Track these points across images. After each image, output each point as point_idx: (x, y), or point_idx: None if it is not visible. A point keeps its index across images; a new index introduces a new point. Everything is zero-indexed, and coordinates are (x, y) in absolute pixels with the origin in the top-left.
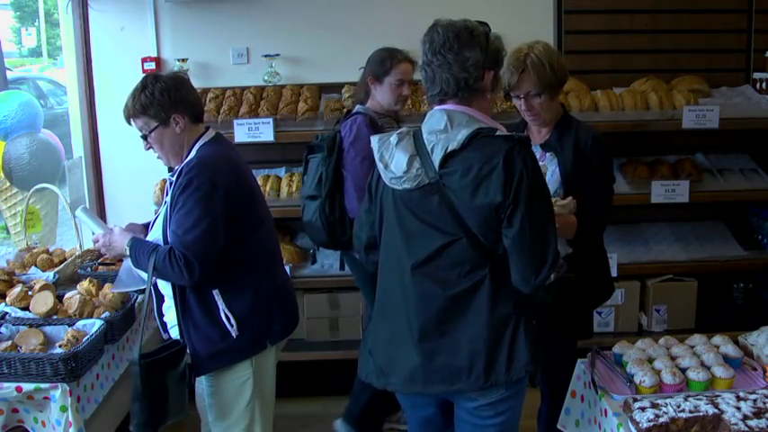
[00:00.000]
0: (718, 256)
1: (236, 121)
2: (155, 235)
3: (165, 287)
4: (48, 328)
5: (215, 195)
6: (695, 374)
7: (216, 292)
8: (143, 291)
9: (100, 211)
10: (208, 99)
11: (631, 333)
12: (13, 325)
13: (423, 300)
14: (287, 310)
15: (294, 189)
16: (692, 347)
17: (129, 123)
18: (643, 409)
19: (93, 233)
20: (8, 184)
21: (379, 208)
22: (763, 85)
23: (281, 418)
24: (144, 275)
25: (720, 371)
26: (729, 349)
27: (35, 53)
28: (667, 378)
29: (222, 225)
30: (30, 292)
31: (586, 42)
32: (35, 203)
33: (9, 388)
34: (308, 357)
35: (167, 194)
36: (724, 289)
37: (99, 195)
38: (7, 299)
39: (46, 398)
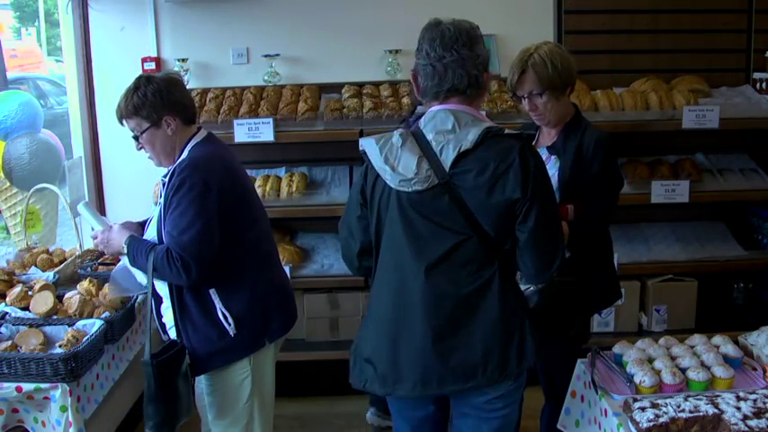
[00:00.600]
0: (718, 256)
1: (236, 121)
2: (149, 236)
3: (163, 288)
4: (48, 328)
5: (208, 195)
6: (695, 374)
7: (212, 292)
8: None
9: (100, 211)
10: (208, 99)
11: (631, 333)
12: (13, 325)
13: (437, 301)
14: (284, 307)
15: (294, 189)
16: (692, 347)
17: (122, 124)
18: (643, 409)
19: (93, 229)
20: (8, 184)
21: (376, 213)
22: (763, 85)
23: (281, 418)
24: (140, 278)
25: (720, 371)
26: (729, 349)
27: None
28: (667, 378)
29: (217, 224)
30: (30, 292)
31: (586, 42)
32: (35, 203)
33: (9, 388)
34: (307, 357)
35: (160, 195)
36: (724, 289)
37: (99, 195)
38: (7, 299)
39: (46, 398)
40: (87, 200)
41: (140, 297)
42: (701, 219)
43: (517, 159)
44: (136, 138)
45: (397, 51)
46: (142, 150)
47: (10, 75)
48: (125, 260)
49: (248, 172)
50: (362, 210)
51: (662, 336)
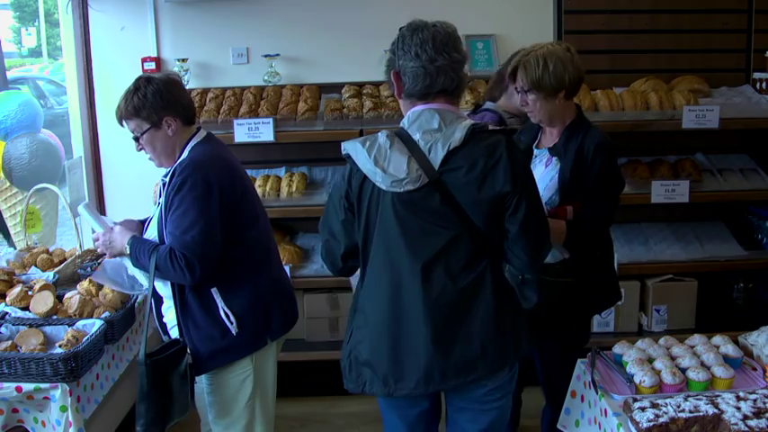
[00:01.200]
0: (718, 256)
1: (236, 121)
2: (149, 236)
3: (163, 288)
4: (48, 328)
5: (210, 194)
6: (695, 374)
7: (214, 291)
8: (124, 293)
9: (100, 211)
10: (208, 99)
11: (631, 333)
12: (13, 325)
13: (435, 297)
14: (286, 305)
15: (294, 189)
16: (692, 347)
17: (122, 125)
18: (643, 409)
19: (94, 231)
20: (8, 184)
21: (365, 216)
22: (763, 85)
23: (281, 419)
24: (140, 280)
25: (720, 371)
26: (729, 349)
27: (35, 53)
28: (667, 378)
29: (219, 223)
30: (30, 292)
31: (586, 42)
32: (35, 203)
33: (9, 388)
34: (307, 357)
35: (160, 195)
36: (724, 289)
37: (99, 195)
38: (7, 299)
39: (46, 398)
40: (87, 201)
41: (140, 297)
42: (701, 219)
43: (504, 154)
44: (136, 139)
45: None
46: (142, 151)
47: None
48: (126, 261)
49: (248, 172)
50: (347, 214)
51: (662, 336)
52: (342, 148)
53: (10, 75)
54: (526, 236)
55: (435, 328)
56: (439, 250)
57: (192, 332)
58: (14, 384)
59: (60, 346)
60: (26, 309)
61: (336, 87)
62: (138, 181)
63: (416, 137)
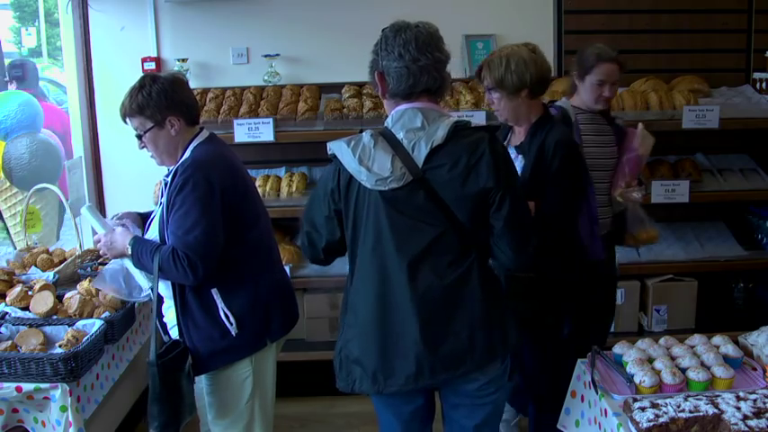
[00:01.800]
0: (718, 256)
1: (236, 121)
2: (150, 236)
3: (164, 288)
4: (48, 328)
5: (212, 194)
6: (695, 374)
7: (214, 291)
8: (119, 305)
9: (100, 211)
10: (208, 99)
11: (631, 333)
12: (13, 325)
13: (423, 294)
14: (286, 306)
15: (294, 189)
16: (692, 347)
17: (125, 122)
18: (643, 409)
19: (95, 233)
20: (8, 184)
21: (352, 214)
22: (763, 85)
23: (281, 418)
24: (141, 282)
25: (720, 371)
26: (729, 349)
27: (35, 53)
28: (667, 378)
29: (221, 223)
30: (30, 292)
31: (586, 42)
32: (35, 203)
33: (9, 388)
34: (307, 357)
35: (162, 195)
36: (724, 289)
37: (99, 195)
38: (7, 299)
39: (46, 398)
40: (86, 202)
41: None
42: (701, 219)
43: (487, 150)
44: (139, 137)
45: None
46: (144, 149)
47: None
48: (126, 262)
49: (248, 172)
50: (331, 211)
51: (662, 336)
52: (327, 147)
53: None
54: (511, 231)
55: (423, 324)
56: (425, 247)
57: (192, 332)
58: (14, 384)
59: (60, 346)
60: (26, 309)
61: (336, 87)
62: (138, 181)
63: (400, 135)
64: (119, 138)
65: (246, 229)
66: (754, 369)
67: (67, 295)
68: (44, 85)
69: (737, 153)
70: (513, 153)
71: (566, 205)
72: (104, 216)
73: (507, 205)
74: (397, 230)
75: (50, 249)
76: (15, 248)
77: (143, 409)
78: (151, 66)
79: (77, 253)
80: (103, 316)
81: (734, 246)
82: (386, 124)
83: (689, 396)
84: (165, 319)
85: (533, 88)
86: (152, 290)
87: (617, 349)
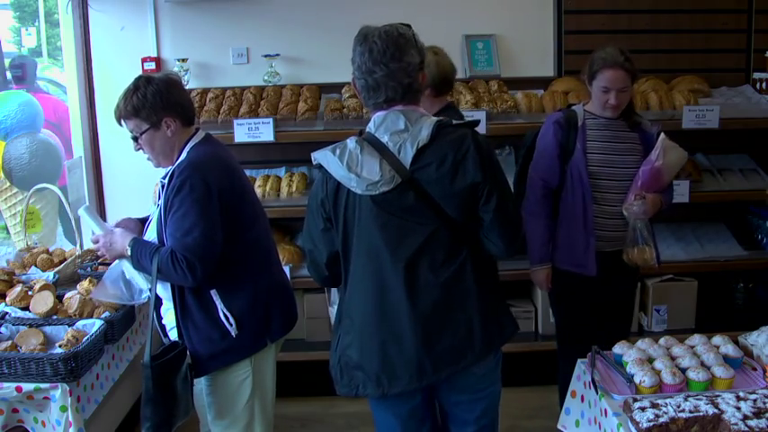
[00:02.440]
0: (718, 256)
1: (236, 121)
2: (149, 238)
3: (162, 290)
4: (48, 328)
5: (210, 195)
6: (695, 374)
7: (213, 292)
8: (119, 305)
9: (100, 212)
10: (208, 99)
11: (631, 333)
12: (13, 325)
13: (420, 293)
14: (285, 306)
15: (294, 189)
16: (692, 347)
17: (120, 124)
18: (643, 409)
19: (93, 233)
20: (8, 184)
21: (342, 221)
22: (763, 85)
23: (281, 418)
24: (141, 285)
25: (720, 371)
26: (729, 349)
27: (35, 53)
28: (667, 378)
29: (219, 224)
30: (30, 292)
31: (586, 42)
32: (35, 203)
33: (9, 388)
34: (307, 357)
35: (159, 197)
36: (724, 289)
37: (99, 195)
38: (7, 299)
39: (46, 398)
40: (86, 202)
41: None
42: (700, 219)
43: (472, 146)
44: (135, 139)
45: None
46: (140, 151)
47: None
48: (124, 264)
49: (248, 172)
50: (325, 222)
51: (662, 336)
52: (312, 158)
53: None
54: (501, 223)
55: (423, 323)
56: (418, 247)
57: (192, 334)
58: (14, 384)
59: (60, 346)
60: (26, 309)
61: (336, 87)
62: (138, 181)
63: (385, 139)
64: (119, 138)
65: (244, 229)
66: (754, 369)
67: (67, 295)
68: (44, 84)
69: (737, 153)
70: None
71: None
72: (104, 219)
73: (495, 198)
74: (390, 233)
75: (50, 249)
76: (15, 248)
77: (141, 411)
78: (151, 66)
79: (77, 253)
80: (103, 316)
81: (734, 246)
82: (368, 129)
83: (689, 396)
84: (164, 321)
85: (437, 87)
86: (150, 291)
87: (617, 349)
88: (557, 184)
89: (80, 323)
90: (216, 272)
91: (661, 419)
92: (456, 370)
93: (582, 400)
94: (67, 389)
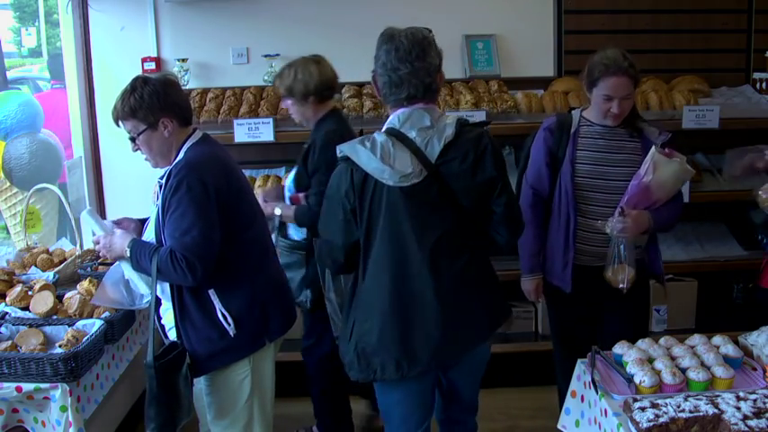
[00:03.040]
0: (718, 256)
1: (236, 121)
2: (147, 238)
3: (161, 290)
4: (48, 328)
5: (207, 195)
6: (695, 374)
7: (212, 292)
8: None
9: (100, 212)
10: (208, 99)
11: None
12: (13, 325)
13: (442, 278)
14: (283, 305)
15: None
16: (693, 347)
17: (118, 125)
18: (643, 409)
19: (94, 234)
20: (8, 184)
21: (367, 212)
22: (763, 85)
23: (281, 418)
24: (141, 289)
25: (720, 371)
26: (729, 349)
27: (35, 53)
28: (667, 378)
29: (217, 222)
30: (30, 292)
31: (586, 42)
32: (35, 203)
33: (9, 388)
34: None
35: (157, 197)
36: (724, 289)
37: (99, 195)
38: (7, 299)
39: (46, 398)
40: (86, 201)
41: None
42: (700, 219)
43: (489, 144)
44: (132, 139)
45: None
46: (138, 151)
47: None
48: (123, 266)
49: (248, 172)
50: (347, 213)
51: (662, 336)
52: (337, 150)
53: (10, 75)
54: (510, 215)
55: (445, 308)
56: (440, 236)
57: (191, 334)
58: (14, 384)
59: (60, 346)
60: (26, 309)
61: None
62: (138, 181)
63: (412, 135)
64: (119, 138)
65: (242, 229)
66: (754, 369)
67: (67, 295)
68: (44, 85)
69: None
70: None
71: (319, 198)
72: (104, 219)
73: (506, 191)
74: (417, 222)
75: (50, 249)
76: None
77: (143, 410)
78: (151, 66)
79: (77, 253)
80: (103, 316)
81: (734, 246)
82: (390, 125)
83: (689, 396)
84: (162, 321)
85: (320, 94)
86: (151, 293)
87: (617, 349)
88: (548, 193)
89: (80, 323)
90: (214, 271)
91: (661, 419)
92: (470, 349)
93: (582, 400)
94: (67, 389)
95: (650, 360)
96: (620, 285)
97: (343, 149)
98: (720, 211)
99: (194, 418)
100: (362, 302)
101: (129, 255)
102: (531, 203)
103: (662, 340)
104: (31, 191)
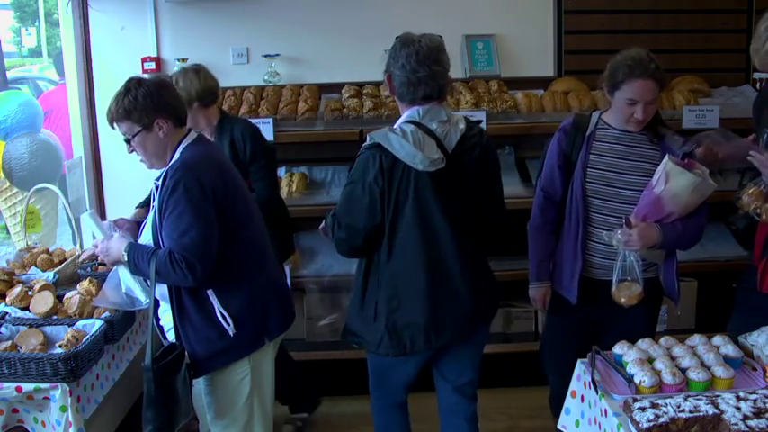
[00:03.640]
0: (718, 256)
1: None
2: (144, 240)
3: (159, 291)
4: (48, 328)
5: (204, 195)
6: (695, 374)
7: (210, 292)
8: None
9: (100, 212)
10: None
11: None
12: (13, 325)
13: (467, 258)
14: (282, 304)
15: (294, 189)
16: (693, 347)
17: (113, 127)
18: (643, 409)
19: (95, 238)
20: (8, 184)
21: (395, 196)
22: (763, 85)
23: (281, 418)
24: (138, 294)
25: (720, 371)
26: (729, 349)
27: (35, 53)
28: (667, 378)
29: (215, 222)
30: (30, 292)
31: (586, 42)
32: (35, 203)
33: (9, 388)
34: (307, 357)
35: (154, 199)
36: (724, 289)
37: (99, 195)
38: (7, 299)
39: (46, 398)
40: (86, 201)
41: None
42: None
43: (488, 139)
44: (127, 141)
45: None
46: (134, 153)
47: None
48: (120, 270)
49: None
50: (375, 196)
51: (662, 336)
52: (368, 138)
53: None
54: (501, 201)
55: (468, 284)
56: (462, 217)
57: (190, 334)
58: (14, 384)
59: (60, 346)
60: (26, 309)
61: (336, 87)
62: (138, 181)
63: (433, 126)
64: (119, 138)
65: (239, 228)
66: (754, 369)
67: (67, 295)
68: (44, 85)
69: None
70: None
71: (270, 180)
72: (104, 219)
73: (500, 181)
74: (445, 205)
75: (50, 249)
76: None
77: (142, 414)
78: (151, 66)
79: (77, 253)
80: (103, 316)
81: (734, 246)
82: (411, 117)
83: (689, 396)
84: (161, 323)
85: (204, 99)
86: (150, 295)
87: (617, 349)
88: (560, 196)
89: (80, 323)
90: (212, 271)
91: (661, 419)
92: (484, 323)
93: (582, 400)
94: (67, 389)
95: (650, 360)
96: (622, 300)
97: (374, 137)
98: (720, 211)
99: (193, 418)
100: (388, 282)
101: (126, 258)
102: (541, 206)
103: (662, 340)
104: (31, 191)
